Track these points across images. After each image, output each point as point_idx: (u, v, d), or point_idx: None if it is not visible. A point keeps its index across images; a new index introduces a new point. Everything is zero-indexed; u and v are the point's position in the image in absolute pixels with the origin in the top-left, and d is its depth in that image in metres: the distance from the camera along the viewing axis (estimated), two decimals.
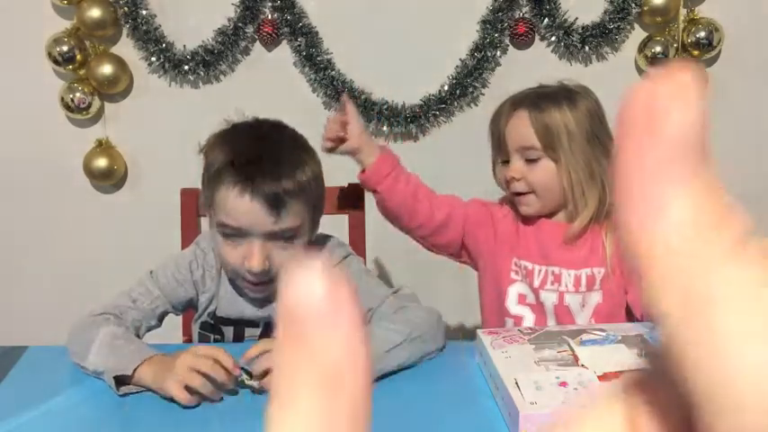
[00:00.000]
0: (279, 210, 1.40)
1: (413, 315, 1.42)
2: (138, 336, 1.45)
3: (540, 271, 1.66)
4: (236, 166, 1.42)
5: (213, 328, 1.58)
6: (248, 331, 1.56)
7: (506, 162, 1.68)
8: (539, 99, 1.67)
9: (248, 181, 1.39)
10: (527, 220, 1.70)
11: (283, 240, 1.44)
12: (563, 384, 1.10)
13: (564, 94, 1.67)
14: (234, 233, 1.43)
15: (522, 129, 1.64)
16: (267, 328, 1.55)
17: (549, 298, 1.64)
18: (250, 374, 1.24)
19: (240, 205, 1.40)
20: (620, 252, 1.60)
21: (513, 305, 1.67)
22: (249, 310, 1.54)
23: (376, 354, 1.28)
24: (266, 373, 1.23)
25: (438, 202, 1.72)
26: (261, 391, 1.24)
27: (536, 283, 1.65)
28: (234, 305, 1.55)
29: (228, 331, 1.57)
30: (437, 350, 1.42)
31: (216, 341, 1.58)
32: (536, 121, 1.63)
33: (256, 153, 1.44)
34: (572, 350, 1.23)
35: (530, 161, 1.63)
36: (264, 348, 1.24)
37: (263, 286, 1.46)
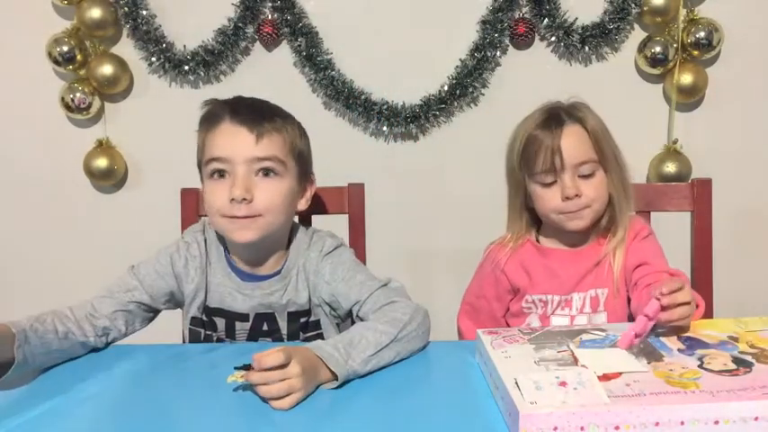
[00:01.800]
0: (261, 134, 1.47)
1: (401, 313, 1.42)
2: (119, 329, 1.49)
3: (553, 300, 1.66)
4: (224, 104, 1.53)
5: (204, 324, 1.58)
6: (238, 325, 1.56)
7: (549, 184, 1.61)
8: (571, 112, 1.63)
9: (234, 112, 1.49)
10: (532, 254, 1.70)
11: (267, 173, 1.48)
12: (563, 384, 1.10)
13: (578, 107, 1.65)
14: (219, 167, 1.47)
15: (580, 143, 1.60)
16: (257, 321, 1.56)
17: (561, 321, 1.64)
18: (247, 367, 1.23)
19: (225, 130, 1.48)
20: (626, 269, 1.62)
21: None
22: (239, 303, 1.55)
23: (365, 356, 1.30)
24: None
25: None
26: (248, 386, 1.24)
27: (549, 311, 1.66)
28: (224, 297, 1.55)
29: (221, 323, 1.57)
30: (422, 348, 1.43)
31: (207, 338, 1.58)
32: (592, 132, 1.60)
33: (245, 100, 1.57)
34: (572, 350, 1.23)
35: (583, 176, 1.60)
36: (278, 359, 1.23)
37: (249, 220, 1.46)
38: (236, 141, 1.46)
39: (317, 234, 1.64)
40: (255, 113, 1.49)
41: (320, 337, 1.56)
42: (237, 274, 1.56)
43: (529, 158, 1.62)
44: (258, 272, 1.56)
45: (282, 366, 1.19)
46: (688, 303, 1.32)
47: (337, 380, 1.25)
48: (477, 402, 1.19)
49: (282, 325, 1.56)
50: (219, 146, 1.47)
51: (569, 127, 1.60)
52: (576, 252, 1.67)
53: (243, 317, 1.56)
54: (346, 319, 1.60)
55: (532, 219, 1.72)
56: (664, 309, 1.30)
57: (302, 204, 1.58)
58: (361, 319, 1.49)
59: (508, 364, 1.19)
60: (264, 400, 1.19)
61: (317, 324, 1.58)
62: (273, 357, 1.19)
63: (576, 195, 1.59)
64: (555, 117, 1.62)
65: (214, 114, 1.52)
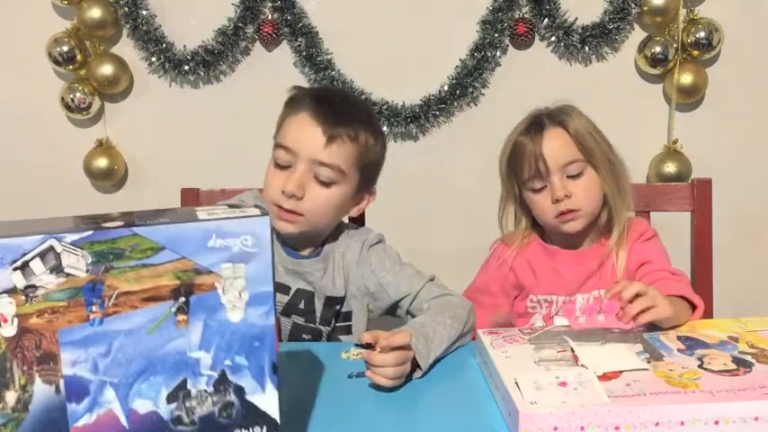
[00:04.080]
0: (332, 140, 1.47)
1: (460, 309, 1.48)
2: None
3: (558, 301, 1.67)
4: (315, 98, 1.52)
5: None
6: (277, 296, 1.56)
7: (539, 190, 1.63)
8: (553, 116, 1.65)
9: (317, 105, 1.49)
10: (538, 253, 1.71)
11: (324, 180, 1.48)
12: (563, 384, 1.10)
13: (563, 110, 1.66)
14: (284, 157, 1.49)
15: (562, 144, 1.61)
16: (296, 297, 1.56)
17: (563, 322, 1.64)
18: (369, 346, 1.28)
19: (301, 125, 1.49)
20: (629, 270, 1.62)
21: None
22: (280, 275, 1.55)
23: (442, 349, 1.36)
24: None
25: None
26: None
27: (553, 312, 1.66)
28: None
29: None
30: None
31: None
32: (573, 132, 1.61)
33: (334, 96, 1.58)
34: (572, 350, 1.23)
35: (572, 177, 1.61)
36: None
37: (293, 216, 1.48)
38: (307, 138, 1.47)
39: (354, 228, 1.67)
40: (337, 114, 1.49)
41: (349, 329, 1.59)
42: (283, 248, 1.57)
43: (515, 166, 1.65)
44: (299, 252, 1.58)
45: (403, 348, 1.25)
46: (642, 295, 1.35)
47: (421, 370, 1.30)
48: (477, 402, 1.20)
49: (318, 307, 1.57)
50: (291, 136, 1.49)
51: (550, 130, 1.62)
52: (581, 253, 1.68)
53: (284, 288, 1.56)
54: (385, 314, 1.62)
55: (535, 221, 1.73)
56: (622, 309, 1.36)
57: (353, 212, 1.60)
58: (411, 313, 1.55)
59: (508, 364, 1.19)
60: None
61: (348, 315, 1.60)
62: (402, 336, 1.26)
63: (566, 196, 1.59)
64: (536, 122, 1.65)
65: (299, 101, 1.53)
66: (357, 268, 1.58)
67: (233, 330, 0.94)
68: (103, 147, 2.60)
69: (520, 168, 1.64)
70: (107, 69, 2.52)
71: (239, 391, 0.96)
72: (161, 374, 0.93)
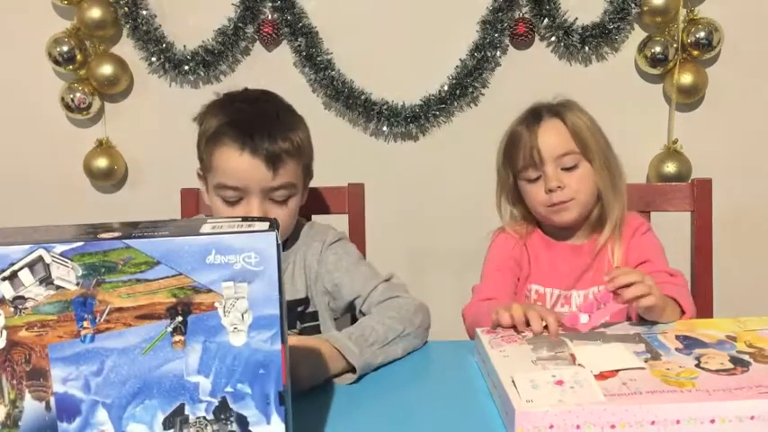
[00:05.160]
0: (276, 166, 1.44)
1: (405, 310, 1.44)
2: None
3: (552, 294, 1.67)
4: (235, 126, 1.46)
5: None
6: None
7: (534, 180, 1.64)
8: (552, 108, 1.66)
9: (247, 138, 1.44)
10: (539, 244, 1.71)
11: (279, 200, 1.48)
12: (559, 383, 1.10)
13: (565, 103, 1.67)
14: (233, 195, 1.46)
15: (558, 136, 1.62)
16: None
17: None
18: None
19: (240, 163, 1.44)
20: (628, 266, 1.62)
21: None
22: None
23: (376, 348, 1.32)
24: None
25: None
26: None
27: (548, 305, 1.66)
28: None
29: None
30: (422, 345, 1.45)
31: None
32: (570, 125, 1.62)
33: (252, 114, 1.49)
34: (570, 349, 1.23)
35: (566, 169, 1.62)
36: None
37: None
38: (252, 174, 1.44)
39: (319, 226, 1.66)
40: (268, 136, 1.45)
41: (317, 329, 1.58)
42: None
43: (511, 155, 1.66)
44: None
45: None
46: (636, 282, 1.35)
47: (354, 372, 1.27)
48: (475, 401, 1.20)
49: None
50: (234, 176, 1.45)
51: (547, 121, 1.64)
52: (577, 247, 1.69)
53: None
54: (344, 313, 1.61)
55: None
56: (616, 294, 1.36)
57: (302, 201, 1.60)
58: (364, 314, 1.51)
59: (506, 363, 1.19)
60: None
61: (314, 315, 1.59)
62: None
63: (559, 187, 1.60)
64: (535, 114, 1.66)
65: (221, 133, 1.47)
66: (318, 267, 1.58)
67: (235, 355, 0.87)
68: (103, 147, 2.61)
69: (515, 157, 1.65)
70: (107, 69, 2.52)
71: (242, 420, 0.89)
72: (156, 398, 0.87)
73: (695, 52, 2.47)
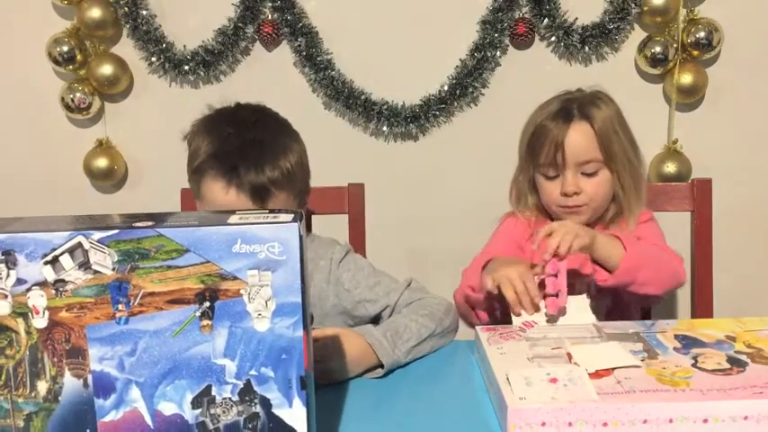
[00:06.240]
0: (264, 200, 1.41)
1: (436, 309, 1.45)
2: None
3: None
4: (220, 158, 1.42)
5: None
6: None
7: (552, 178, 1.64)
8: (584, 107, 1.64)
9: (232, 173, 1.40)
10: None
11: None
12: (553, 380, 1.10)
13: (594, 101, 1.66)
14: None
15: (584, 141, 1.61)
16: None
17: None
18: None
19: (225, 200, 1.40)
20: None
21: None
22: None
23: (409, 346, 1.34)
24: None
25: None
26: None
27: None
28: None
29: None
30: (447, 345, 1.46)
31: None
32: (599, 131, 1.61)
33: (239, 142, 1.43)
34: (567, 348, 1.23)
35: (587, 174, 1.62)
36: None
37: None
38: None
39: (321, 240, 1.62)
40: (257, 170, 1.40)
41: None
42: None
43: (534, 149, 1.65)
44: None
45: None
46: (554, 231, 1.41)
47: (383, 368, 1.28)
48: (473, 398, 1.20)
49: None
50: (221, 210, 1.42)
51: (577, 124, 1.62)
52: None
53: None
54: (369, 323, 1.60)
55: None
56: (557, 256, 1.39)
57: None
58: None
59: (502, 361, 1.20)
60: None
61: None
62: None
63: (576, 193, 1.60)
64: (566, 111, 1.64)
65: (210, 167, 1.43)
66: (329, 288, 1.55)
67: (259, 340, 0.92)
68: (103, 147, 2.61)
69: (538, 152, 1.64)
70: (107, 69, 2.52)
71: (265, 402, 0.94)
72: (186, 378, 0.93)
73: (695, 52, 2.46)
